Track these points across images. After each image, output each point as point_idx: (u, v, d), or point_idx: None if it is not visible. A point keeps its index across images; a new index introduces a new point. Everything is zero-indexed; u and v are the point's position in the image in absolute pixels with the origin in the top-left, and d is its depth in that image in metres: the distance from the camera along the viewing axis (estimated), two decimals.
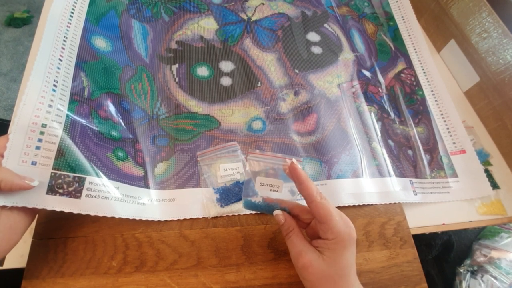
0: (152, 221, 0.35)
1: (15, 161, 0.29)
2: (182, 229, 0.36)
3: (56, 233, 0.34)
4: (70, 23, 0.40)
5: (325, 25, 0.53)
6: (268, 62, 0.48)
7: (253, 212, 0.37)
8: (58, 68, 0.36)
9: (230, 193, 0.37)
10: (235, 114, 0.43)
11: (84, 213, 0.30)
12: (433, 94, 0.50)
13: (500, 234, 0.66)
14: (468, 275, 0.63)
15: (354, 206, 0.39)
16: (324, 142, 0.42)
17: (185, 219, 0.36)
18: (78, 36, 0.40)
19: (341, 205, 0.38)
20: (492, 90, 0.47)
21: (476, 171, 0.44)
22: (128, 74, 0.41)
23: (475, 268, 0.63)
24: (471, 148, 0.45)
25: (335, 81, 0.48)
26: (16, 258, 0.33)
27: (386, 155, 0.44)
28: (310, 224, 0.31)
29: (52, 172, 0.30)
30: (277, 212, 0.31)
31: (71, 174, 0.31)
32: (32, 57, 0.41)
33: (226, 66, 0.47)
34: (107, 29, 0.43)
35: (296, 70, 0.48)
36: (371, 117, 0.46)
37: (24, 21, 1.30)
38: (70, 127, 0.33)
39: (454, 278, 0.65)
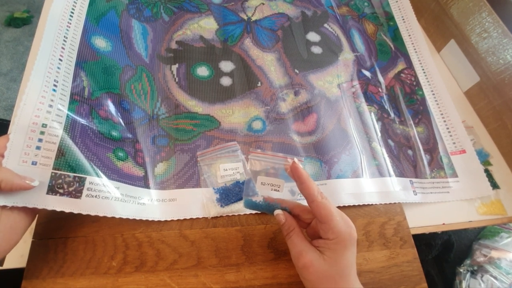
0: (152, 221, 0.35)
1: (16, 161, 0.29)
2: (182, 229, 0.36)
3: (56, 233, 0.34)
4: (70, 23, 0.40)
5: (325, 25, 0.53)
6: (268, 62, 0.48)
7: (253, 212, 0.37)
8: (58, 68, 0.36)
9: (230, 193, 0.37)
10: (235, 114, 0.43)
11: (84, 213, 0.30)
12: (433, 94, 0.50)
13: (500, 234, 0.66)
14: (468, 275, 0.63)
15: (354, 206, 0.39)
16: (324, 142, 0.42)
17: (185, 219, 0.36)
18: (78, 36, 0.40)
19: (341, 205, 0.38)
20: (492, 90, 0.47)
21: (476, 171, 0.44)
22: (128, 74, 0.41)
23: (475, 268, 0.63)
24: (471, 148, 0.45)
25: (335, 81, 0.48)
26: (16, 258, 0.33)
27: (386, 155, 0.44)
28: (311, 224, 0.31)
29: (52, 172, 0.30)
30: (277, 211, 0.31)
31: (72, 174, 0.31)
32: (32, 57, 0.41)
33: (226, 66, 0.47)
34: (107, 29, 0.43)
35: (296, 70, 0.48)
36: (371, 117, 0.46)
37: (24, 21, 1.30)
38: (70, 127, 0.33)
39: (454, 278, 0.65)
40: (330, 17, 0.54)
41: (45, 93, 0.33)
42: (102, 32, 0.42)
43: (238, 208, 0.37)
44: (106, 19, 0.44)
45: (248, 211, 0.37)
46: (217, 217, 0.37)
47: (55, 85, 0.34)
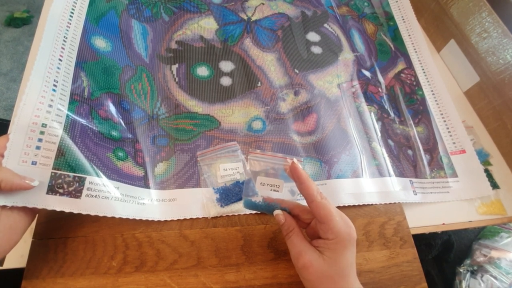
0: (152, 221, 0.35)
1: (15, 161, 0.29)
2: (182, 229, 0.36)
3: (56, 233, 0.34)
4: (70, 23, 0.40)
5: (325, 25, 0.53)
6: (268, 62, 0.48)
7: (253, 212, 0.37)
8: (58, 68, 0.36)
9: (230, 193, 0.37)
10: (235, 114, 0.43)
11: (84, 213, 0.30)
12: (433, 94, 0.50)
13: (500, 234, 0.66)
14: (468, 275, 0.63)
15: (354, 206, 0.39)
16: (324, 142, 0.42)
17: (185, 219, 0.36)
18: (78, 36, 0.40)
19: (341, 205, 0.38)
20: (492, 90, 0.47)
21: (476, 171, 0.44)
22: (128, 74, 0.41)
23: (475, 268, 0.63)
24: (471, 148, 0.45)
25: (335, 81, 0.48)
26: (16, 258, 0.33)
27: (386, 155, 0.44)
28: (310, 224, 0.31)
29: (52, 172, 0.30)
30: (277, 212, 0.31)
31: (71, 174, 0.31)
32: (32, 57, 0.41)
33: (226, 66, 0.47)
34: (107, 29, 0.43)
35: (296, 70, 0.48)
36: (371, 117, 0.46)
37: (24, 21, 1.30)
38: (70, 127, 0.33)
39: (454, 278, 0.65)
40: (330, 17, 0.54)
41: (45, 93, 0.33)
42: (102, 32, 0.42)
43: (238, 208, 0.37)
44: (106, 19, 0.44)
45: (248, 211, 0.37)
46: (217, 217, 0.37)
47: (55, 85, 0.34)
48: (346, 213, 0.29)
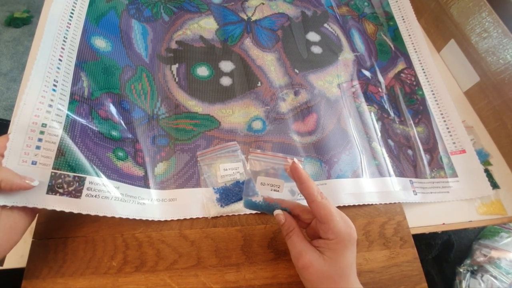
0: (152, 221, 0.35)
1: (15, 161, 0.29)
2: (182, 229, 0.36)
3: (56, 233, 0.34)
4: (70, 23, 0.40)
5: (325, 25, 0.53)
6: (268, 62, 0.48)
7: (253, 212, 0.37)
8: (58, 68, 0.36)
9: (230, 193, 0.37)
10: (235, 114, 0.43)
11: (84, 213, 0.30)
12: (433, 94, 0.50)
13: (500, 234, 0.66)
14: (468, 274, 0.63)
15: (354, 206, 0.39)
16: (324, 142, 0.42)
17: (185, 219, 0.36)
18: (78, 36, 0.40)
19: (341, 205, 0.38)
20: (492, 90, 0.47)
21: (476, 171, 0.44)
22: (128, 74, 0.41)
23: (475, 268, 0.63)
24: (471, 148, 0.45)
25: (335, 81, 0.48)
26: (16, 258, 0.33)
27: (386, 155, 0.44)
28: (311, 224, 0.31)
29: (52, 172, 0.30)
30: (277, 212, 0.31)
31: (71, 174, 0.31)
32: (32, 57, 0.41)
33: (226, 66, 0.47)
34: (107, 29, 0.43)
35: (296, 70, 0.48)
36: (371, 117, 0.46)
37: (24, 21, 1.30)
38: (70, 127, 0.33)
39: (454, 278, 0.65)
40: (330, 17, 0.54)
41: (45, 93, 0.33)
42: (102, 32, 0.42)
43: (238, 208, 0.37)
44: (106, 19, 0.44)
45: (248, 211, 0.37)
46: (217, 217, 0.37)
47: (54, 85, 0.34)
48: (346, 213, 0.29)
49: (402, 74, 0.52)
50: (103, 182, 0.32)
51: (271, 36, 0.50)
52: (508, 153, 0.46)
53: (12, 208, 0.28)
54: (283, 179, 0.31)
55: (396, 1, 0.58)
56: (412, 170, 0.44)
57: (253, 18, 0.52)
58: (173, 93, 0.43)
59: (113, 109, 0.38)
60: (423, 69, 0.52)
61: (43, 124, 0.31)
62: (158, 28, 0.47)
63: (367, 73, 0.50)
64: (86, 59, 0.39)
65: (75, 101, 0.35)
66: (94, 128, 0.35)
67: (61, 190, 0.30)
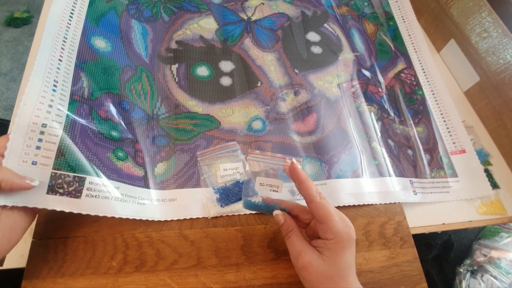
0: (152, 221, 0.35)
1: (16, 161, 0.29)
2: (182, 229, 0.36)
3: (56, 233, 0.34)
4: (70, 24, 0.40)
5: (325, 25, 0.53)
6: (268, 62, 0.48)
7: (253, 212, 0.37)
8: (58, 68, 0.36)
9: (230, 193, 0.37)
10: (235, 114, 0.43)
11: (84, 213, 0.30)
12: (433, 94, 0.50)
13: (500, 234, 0.66)
14: (468, 274, 0.63)
15: (354, 206, 0.39)
16: (324, 142, 0.42)
17: (185, 219, 0.36)
18: (78, 37, 0.40)
19: (341, 205, 0.38)
20: (492, 90, 0.47)
21: (476, 171, 0.44)
22: (128, 74, 0.41)
23: (475, 267, 0.63)
24: (471, 148, 0.45)
25: (335, 81, 0.48)
26: (16, 258, 0.33)
27: (386, 155, 0.44)
28: (310, 224, 0.31)
29: (52, 172, 0.30)
30: (276, 212, 0.31)
31: (71, 174, 0.31)
32: (32, 57, 0.41)
33: (226, 66, 0.47)
34: (107, 29, 0.43)
35: (296, 70, 0.48)
36: (371, 117, 0.46)
37: (24, 21, 1.30)
38: (70, 127, 0.33)
39: (454, 277, 0.65)
40: (330, 17, 0.54)
41: (45, 93, 0.33)
42: (101, 33, 0.42)
43: (238, 208, 0.37)
44: (106, 19, 0.44)
45: (248, 211, 0.37)
46: (217, 217, 0.37)
47: (54, 85, 0.34)
48: (346, 213, 0.29)
49: (402, 74, 0.52)
50: (103, 182, 0.32)
51: (271, 36, 0.50)
52: (508, 153, 0.46)
53: (12, 208, 0.28)
54: (282, 180, 0.31)
55: (396, 1, 0.58)
56: (412, 170, 0.44)
57: (253, 18, 0.52)
58: (173, 93, 0.43)
59: (113, 109, 0.38)
60: (423, 69, 0.52)
61: (43, 124, 0.31)
62: (158, 28, 0.47)
63: (367, 73, 0.50)
64: (86, 59, 0.39)
65: (75, 101, 0.36)
66: (94, 128, 0.35)
67: (61, 190, 0.30)
